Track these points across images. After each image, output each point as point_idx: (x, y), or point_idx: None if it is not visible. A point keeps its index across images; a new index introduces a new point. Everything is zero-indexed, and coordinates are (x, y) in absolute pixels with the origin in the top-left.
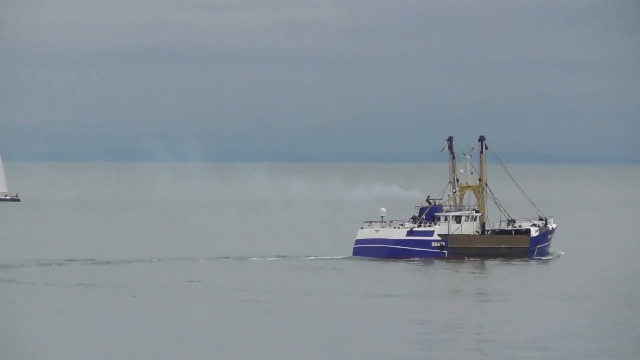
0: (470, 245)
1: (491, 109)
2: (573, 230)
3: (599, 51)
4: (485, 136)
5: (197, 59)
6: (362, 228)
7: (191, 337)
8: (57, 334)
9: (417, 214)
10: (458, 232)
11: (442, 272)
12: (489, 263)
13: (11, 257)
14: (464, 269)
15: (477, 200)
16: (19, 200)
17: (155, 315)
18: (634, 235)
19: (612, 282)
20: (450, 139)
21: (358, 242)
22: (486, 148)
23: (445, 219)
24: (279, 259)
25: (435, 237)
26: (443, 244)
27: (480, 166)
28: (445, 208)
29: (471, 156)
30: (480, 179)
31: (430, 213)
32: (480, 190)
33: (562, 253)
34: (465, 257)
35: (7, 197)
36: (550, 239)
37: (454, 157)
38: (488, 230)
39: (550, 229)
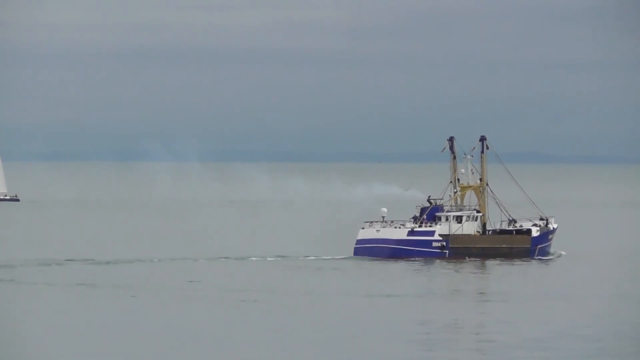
0: (471, 245)
1: (491, 109)
2: (574, 230)
3: (599, 51)
4: (486, 136)
5: (197, 59)
6: (363, 228)
7: (191, 337)
8: (57, 334)
9: (418, 214)
10: (459, 232)
11: (443, 272)
12: (490, 263)
13: (11, 257)
14: (465, 269)
15: (478, 200)
16: (18, 200)
17: (155, 315)
18: (635, 235)
19: (612, 282)
20: (451, 139)
21: (359, 242)
22: (487, 148)
23: (446, 219)
24: (279, 259)
25: (436, 237)
26: (444, 244)
27: (481, 166)
28: (446, 208)
29: (472, 156)
30: (481, 179)
31: (431, 213)
32: (481, 190)
33: (563, 253)
34: (466, 257)
35: (6, 197)
36: (551, 239)
37: (455, 157)
38: (489, 230)
39: (552, 228)
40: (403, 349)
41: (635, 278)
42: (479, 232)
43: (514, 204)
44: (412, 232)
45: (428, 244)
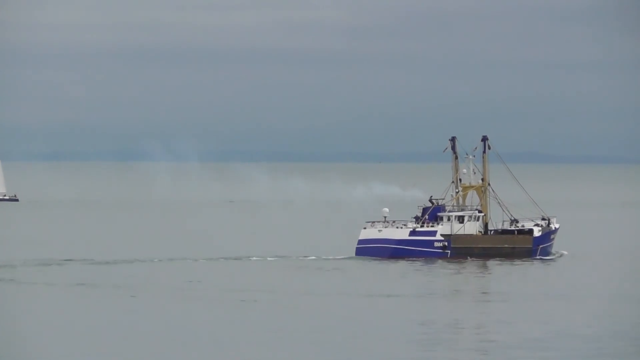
0: (473, 245)
1: (491, 109)
2: (575, 230)
3: (599, 51)
4: (488, 136)
5: (197, 59)
6: (364, 228)
7: (191, 337)
8: (57, 334)
9: (420, 214)
10: (461, 232)
11: (444, 272)
12: (492, 263)
13: (11, 257)
14: (467, 269)
15: (480, 200)
16: (17, 200)
17: (155, 315)
18: (635, 235)
19: (612, 282)
20: (453, 139)
21: (361, 242)
22: (489, 148)
23: (448, 219)
24: (279, 259)
25: (438, 237)
26: (446, 244)
27: (483, 166)
28: (448, 208)
29: (474, 156)
30: (483, 179)
31: (433, 213)
32: (483, 190)
33: (565, 253)
34: (468, 257)
35: (5, 197)
36: (553, 239)
37: (456, 157)
38: (491, 230)
39: (553, 228)
40: (403, 349)
41: (635, 278)
42: (480, 232)
43: (515, 204)
44: (414, 232)
45: (430, 244)
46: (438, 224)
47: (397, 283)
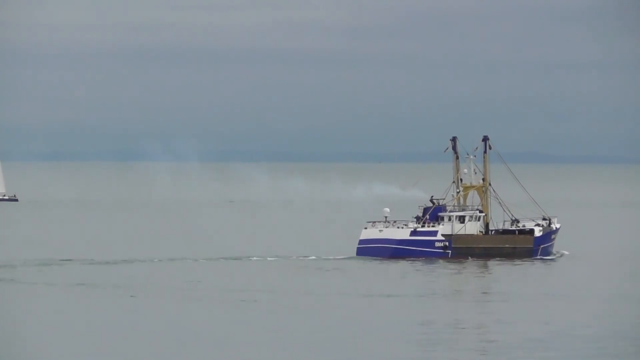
0: (473, 245)
1: (491, 109)
2: (576, 230)
3: (599, 51)
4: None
5: (197, 59)
6: (365, 228)
7: (191, 337)
8: (57, 334)
9: (420, 214)
10: (462, 232)
11: (445, 272)
12: (493, 263)
13: (11, 257)
14: (468, 269)
15: (481, 200)
16: (17, 200)
17: (155, 315)
18: (635, 235)
19: (612, 282)
20: (454, 139)
21: (362, 242)
22: (490, 148)
23: (449, 219)
24: (279, 259)
25: (439, 237)
26: (447, 244)
27: (484, 166)
28: (449, 208)
29: (475, 156)
30: (484, 179)
31: (433, 213)
32: (483, 190)
33: (566, 253)
34: (469, 257)
35: (5, 197)
36: (554, 238)
37: (457, 157)
38: (492, 230)
39: (554, 228)
40: (403, 349)
41: (635, 278)
42: (481, 232)
43: (516, 203)
44: (414, 232)
45: (431, 244)
46: (439, 224)
47: (398, 283)
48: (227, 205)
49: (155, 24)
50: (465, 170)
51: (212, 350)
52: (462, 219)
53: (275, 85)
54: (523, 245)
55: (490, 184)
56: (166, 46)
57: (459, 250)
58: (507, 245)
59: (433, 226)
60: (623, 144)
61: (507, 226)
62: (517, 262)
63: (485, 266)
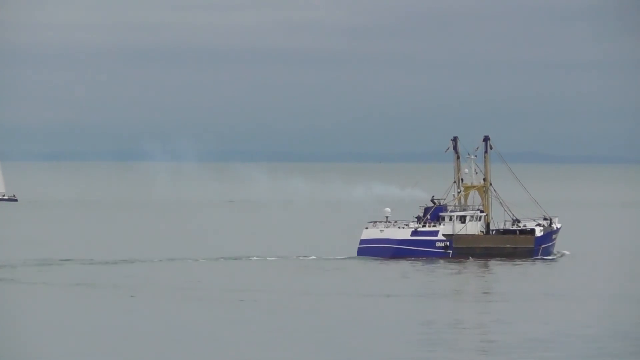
0: (474, 245)
1: (491, 109)
2: (577, 230)
3: (599, 51)
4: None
5: (197, 59)
6: (366, 228)
7: (191, 337)
8: (57, 334)
9: (421, 214)
10: (462, 232)
11: (446, 272)
12: (493, 263)
13: (11, 257)
14: (468, 269)
15: (482, 200)
16: (16, 200)
17: (155, 315)
18: (635, 235)
19: (612, 282)
20: (455, 139)
21: (362, 242)
22: (490, 148)
23: (450, 219)
24: (279, 259)
25: (440, 237)
26: (447, 244)
27: (485, 166)
28: (449, 208)
29: (476, 156)
30: (484, 179)
31: (434, 213)
32: (484, 190)
33: (567, 253)
34: (470, 257)
35: (4, 197)
36: (554, 238)
37: (458, 157)
38: (493, 230)
39: (555, 228)
40: (403, 349)
41: (635, 278)
42: (482, 232)
43: (517, 203)
44: (415, 232)
45: (431, 244)
46: (440, 224)
47: (399, 283)
48: (227, 205)
49: (155, 24)
50: (466, 170)
51: (212, 350)
52: (463, 219)
53: (275, 85)
54: (524, 245)
55: (491, 184)
56: (166, 46)
57: (460, 250)
58: (508, 245)
59: (434, 226)
60: (623, 144)
61: (508, 226)
62: (518, 262)
63: (486, 266)
